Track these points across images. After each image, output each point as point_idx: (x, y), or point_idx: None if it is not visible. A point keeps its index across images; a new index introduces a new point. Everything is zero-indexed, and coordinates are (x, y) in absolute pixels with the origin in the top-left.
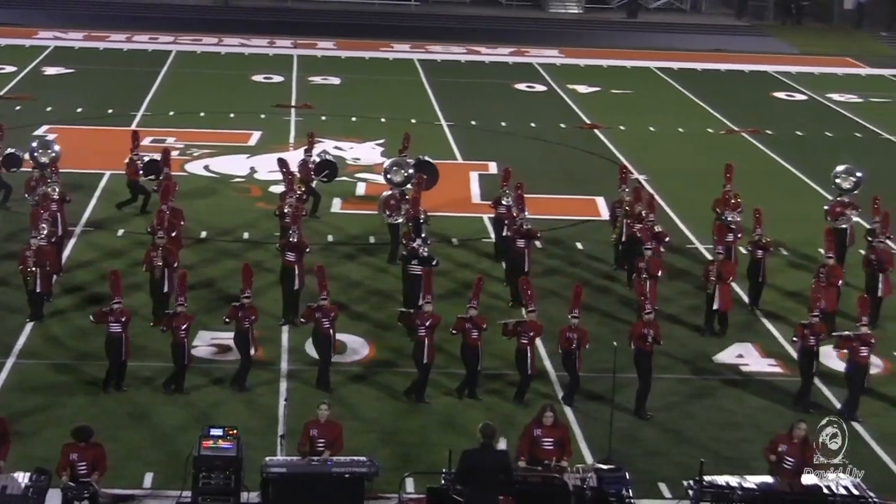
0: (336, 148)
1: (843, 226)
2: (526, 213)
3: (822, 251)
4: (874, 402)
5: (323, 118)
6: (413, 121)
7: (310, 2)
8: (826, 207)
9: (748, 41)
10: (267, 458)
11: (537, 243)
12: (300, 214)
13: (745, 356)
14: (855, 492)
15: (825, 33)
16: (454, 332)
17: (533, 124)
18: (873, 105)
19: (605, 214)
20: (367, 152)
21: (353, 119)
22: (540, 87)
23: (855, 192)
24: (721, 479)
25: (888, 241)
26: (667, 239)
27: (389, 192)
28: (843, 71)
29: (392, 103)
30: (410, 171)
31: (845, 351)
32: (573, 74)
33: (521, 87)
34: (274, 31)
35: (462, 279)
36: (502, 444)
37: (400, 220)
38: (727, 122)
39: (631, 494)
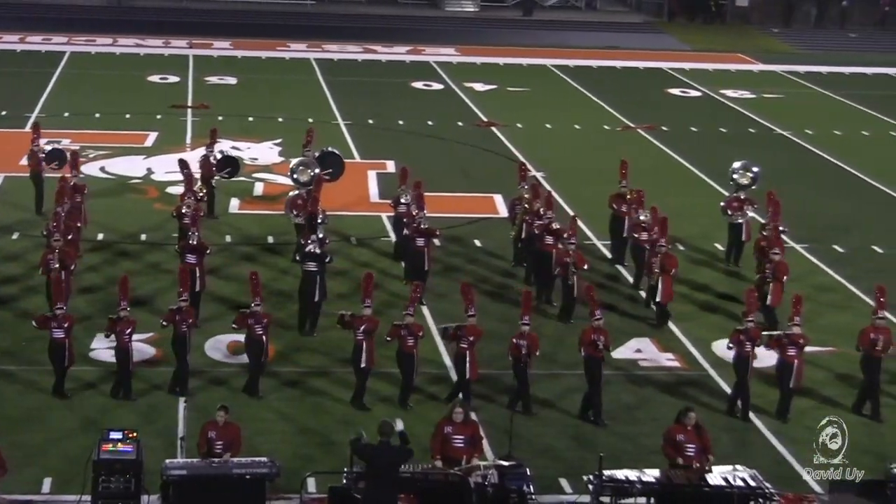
0: (233, 148)
1: (739, 221)
2: (425, 212)
3: (718, 246)
4: (769, 396)
5: (220, 118)
6: (310, 120)
7: (205, 1)
8: (722, 203)
9: (643, 38)
10: (167, 461)
11: (436, 241)
12: (199, 215)
13: (643, 351)
14: (752, 483)
15: (718, 30)
16: (389, 338)
17: (430, 122)
18: (766, 101)
19: (502, 212)
20: (265, 152)
21: (250, 119)
22: (437, 86)
23: (752, 187)
24: (620, 474)
25: (783, 235)
26: (565, 236)
27: (296, 192)
28: (737, 67)
29: (289, 103)
30: (316, 170)
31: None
32: (470, 72)
33: (418, 85)
34: (169, 31)
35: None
36: (399, 425)
37: (302, 220)
38: (623, 119)
39: (532, 490)
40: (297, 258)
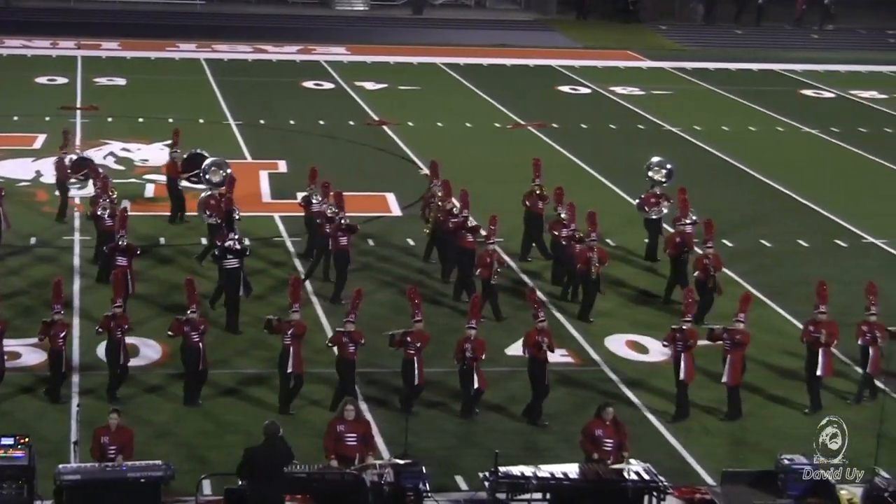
0: (123, 150)
1: (655, 217)
2: (330, 208)
3: (610, 241)
4: (664, 390)
5: (109, 119)
6: (201, 120)
7: (93, 2)
8: (638, 199)
9: (532, 36)
10: (60, 466)
11: (343, 240)
12: (125, 217)
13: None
14: (646, 477)
15: (607, 27)
16: (329, 344)
17: (322, 122)
18: (655, 97)
19: (395, 210)
20: (155, 153)
21: (140, 120)
22: (328, 85)
23: (666, 183)
24: (516, 470)
25: (689, 226)
26: (482, 232)
27: (208, 193)
28: (626, 64)
29: (179, 103)
30: (228, 170)
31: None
32: (360, 71)
33: (309, 84)
34: (57, 31)
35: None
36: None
37: (218, 221)
38: (514, 117)
39: (428, 488)
40: (216, 255)
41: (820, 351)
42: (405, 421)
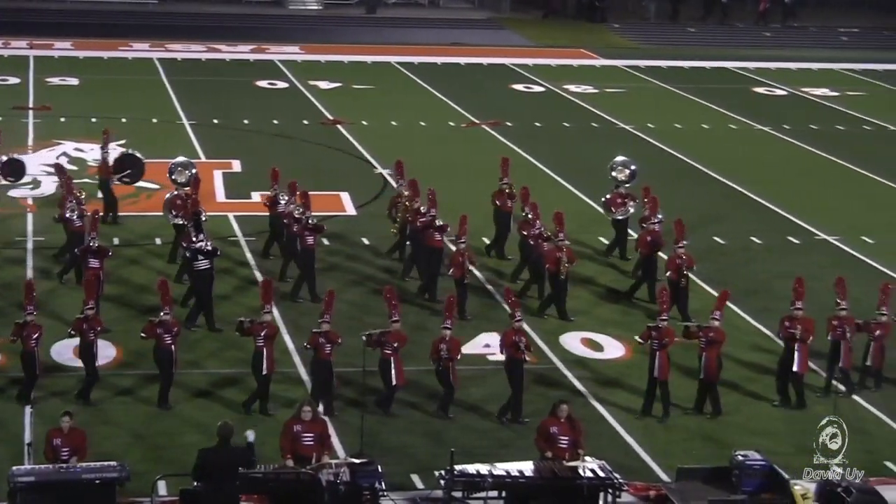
0: (77, 150)
1: (621, 217)
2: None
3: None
4: (620, 387)
5: (62, 119)
6: (155, 120)
7: (45, 1)
8: (604, 199)
9: (485, 35)
10: (14, 468)
11: (310, 239)
12: (97, 218)
13: (491, 346)
14: (601, 474)
15: (560, 26)
16: (307, 346)
17: (276, 121)
18: (608, 95)
19: (350, 210)
20: (109, 154)
21: (94, 120)
22: (282, 84)
23: (630, 183)
24: (471, 468)
25: (657, 224)
26: (448, 229)
27: (174, 193)
28: (579, 62)
29: (133, 103)
30: (194, 170)
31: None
32: (314, 70)
33: (263, 84)
34: (8, 31)
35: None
36: (251, 437)
37: (184, 221)
38: (468, 115)
39: (384, 487)
40: (187, 257)
41: (796, 347)
42: (361, 420)
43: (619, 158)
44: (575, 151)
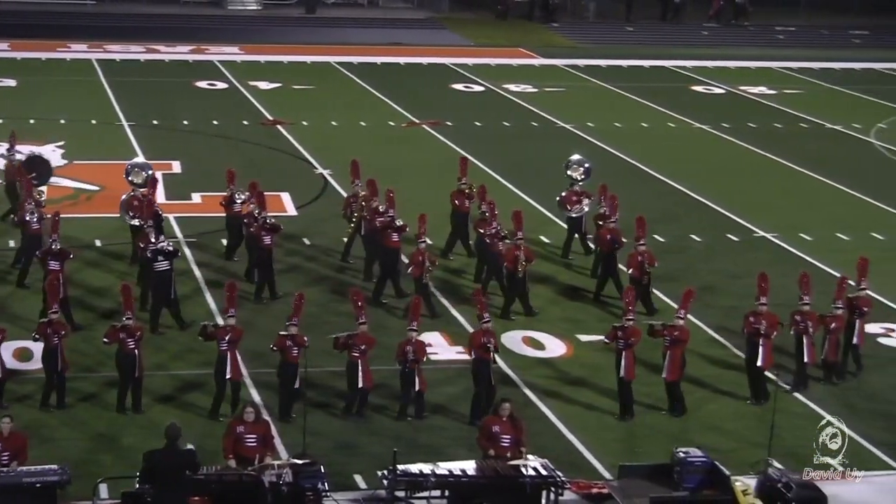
0: (16, 152)
1: (575, 215)
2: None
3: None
4: (560, 385)
5: (0, 121)
6: (93, 121)
7: None
8: (558, 198)
9: (425, 34)
10: None
11: (267, 239)
12: (58, 221)
13: (433, 345)
14: (544, 472)
15: (499, 25)
16: (274, 348)
17: (215, 122)
18: (548, 94)
19: (290, 210)
20: (48, 155)
21: (32, 121)
22: (221, 85)
23: (584, 181)
24: (414, 468)
25: (615, 223)
26: (406, 229)
27: (130, 194)
28: (518, 62)
29: (71, 104)
30: (150, 171)
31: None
32: (254, 71)
33: (202, 84)
34: None
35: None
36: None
37: (141, 223)
38: (408, 115)
39: (327, 488)
40: (147, 258)
41: (760, 342)
42: (304, 420)
43: (575, 157)
44: (515, 151)
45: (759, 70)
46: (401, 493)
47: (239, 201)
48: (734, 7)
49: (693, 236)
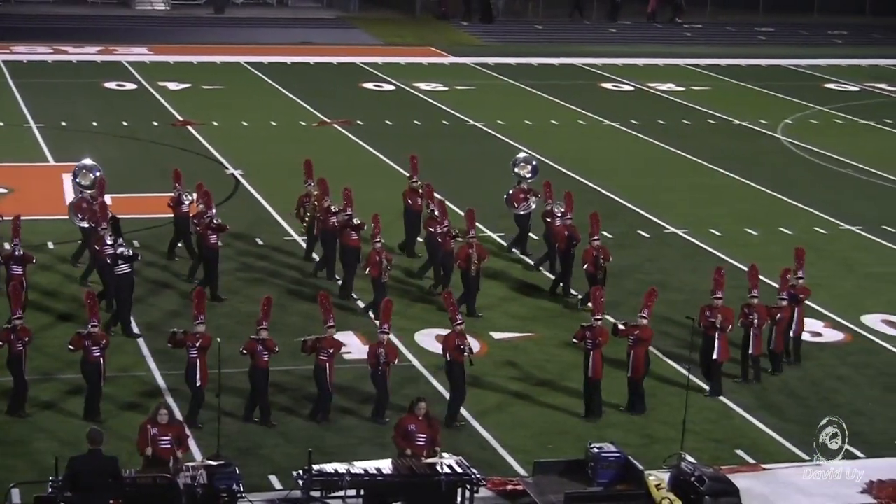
0: None
1: (523, 212)
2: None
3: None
4: (473, 383)
5: None
6: (1, 123)
7: None
8: (507, 195)
9: (335, 33)
10: None
11: (213, 238)
12: (19, 224)
13: (347, 345)
14: (459, 470)
15: (408, 24)
16: (244, 351)
17: (125, 123)
18: (458, 93)
19: None
20: None
21: None
22: (130, 86)
23: (532, 178)
24: (329, 467)
25: (563, 219)
26: (364, 227)
27: (79, 196)
28: (428, 60)
29: None
30: (98, 173)
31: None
32: (163, 71)
33: (111, 85)
34: None
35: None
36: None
37: (91, 224)
38: (318, 114)
39: (242, 489)
40: (108, 263)
41: (716, 336)
42: (217, 422)
43: (522, 155)
44: (425, 149)
45: (667, 67)
46: (316, 494)
47: (187, 202)
48: (672, 5)
49: (604, 232)
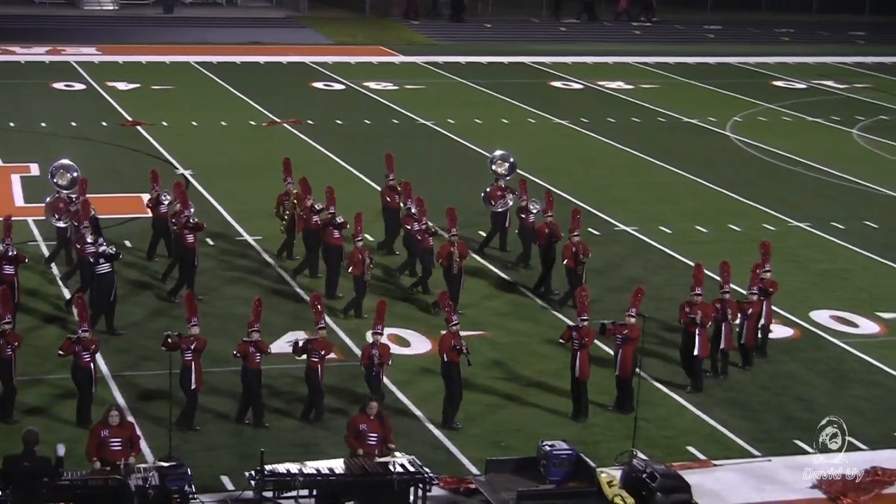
0: None
1: (501, 209)
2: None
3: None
4: (424, 382)
5: None
6: None
7: None
8: (484, 193)
9: (284, 33)
10: None
11: (190, 238)
12: (11, 224)
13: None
14: (411, 469)
15: (358, 23)
16: (237, 354)
17: (74, 123)
18: (408, 92)
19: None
20: None
21: None
22: (79, 86)
23: (509, 176)
24: (282, 467)
25: (538, 216)
26: (347, 226)
27: (56, 196)
28: (378, 60)
29: None
30: (76, 174)
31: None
32: (112, 71)
33: (60, 86)
34: None
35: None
36: (61, 451)
37: (66, 224)
38: (268, 114)
39: (193, 490)
40: (91, 262)
41: (696, 332)
42: (169, 423)
43: (499, 152)
44: (376, 148)
45: (617, 65)
46: (268, 494)
47: (166, 202)
48: (642, 4)
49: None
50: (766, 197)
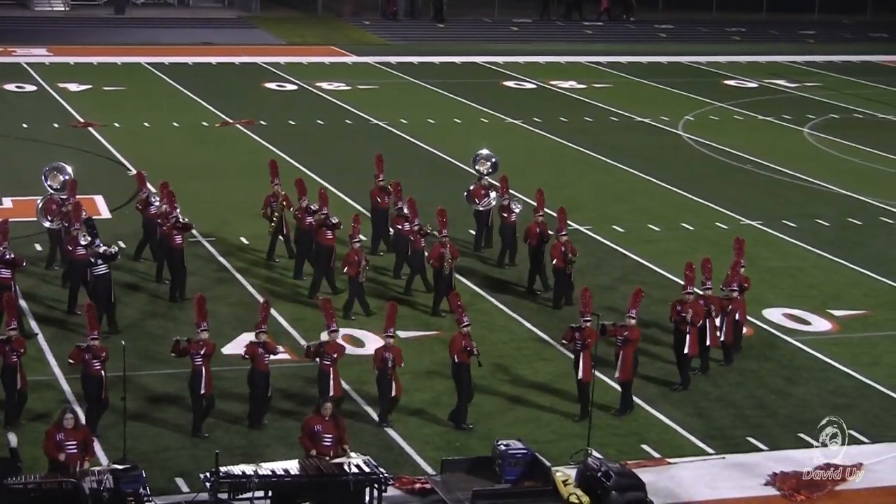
0: None
1: (483, 208)
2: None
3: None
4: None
5: None
6: None
7: None
8: (467, 192)
9: (236, 33)
10: None
11: (178, 238)
12: (7, 228)
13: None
14: (366, 469)
15: (310, 23)
16: (245, 356)
17: (25, 125)
18: (361, 92)
19: (105, 213)
20: None
21: None
22: (30, 88)
23: (492, 175)
24: (237, 469)
25: (541, 217)
26: (341, 227)
27: (48, 197)
28: (331, 60)
29: None
30: (67, 175)
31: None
32: (63, 73)
33: (11, 87)
34: None
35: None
36: (13, 441)
37: (57, 226)
38: (221, 115)
39: (149, 492)
40: (91, 261)
41: (687, 330)
42: (123, 425)
43: (482, 151)
44: (329, 149)
45: (569, 65)
46: (224, 495)
47: (155, 203)
48: (624, 3)
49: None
50: (718, 195)
